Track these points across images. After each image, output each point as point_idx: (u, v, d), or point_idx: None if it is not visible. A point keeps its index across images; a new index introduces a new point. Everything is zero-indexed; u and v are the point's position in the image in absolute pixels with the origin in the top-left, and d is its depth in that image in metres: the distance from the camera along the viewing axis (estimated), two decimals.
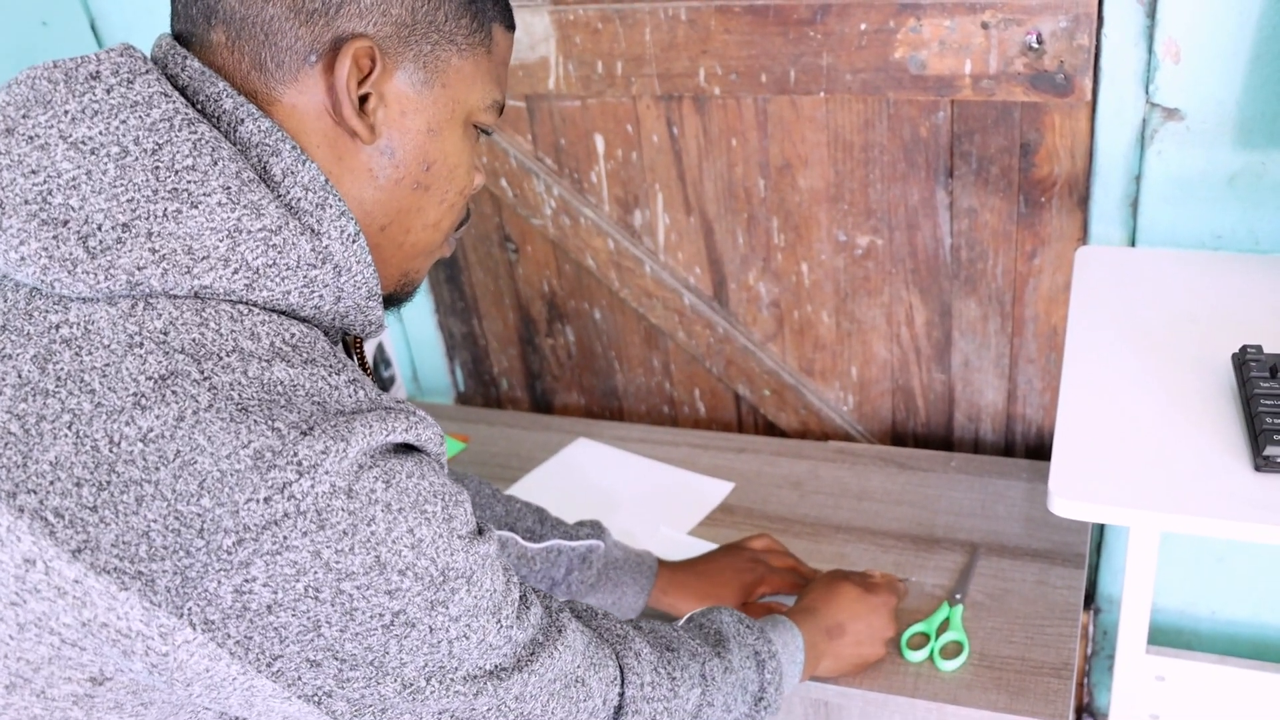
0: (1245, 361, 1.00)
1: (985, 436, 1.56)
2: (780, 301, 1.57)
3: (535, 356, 1.79)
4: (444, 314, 1.81)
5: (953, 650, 1.23)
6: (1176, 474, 0.94)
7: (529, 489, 1.57)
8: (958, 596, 1.29)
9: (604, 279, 1.64)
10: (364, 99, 0.75)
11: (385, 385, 1.77)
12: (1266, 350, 1.01)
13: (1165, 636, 1.55)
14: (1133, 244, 1.31)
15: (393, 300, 0.85)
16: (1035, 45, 1.23)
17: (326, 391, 0.68)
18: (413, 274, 0.84)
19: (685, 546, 1.40)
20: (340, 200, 0.74)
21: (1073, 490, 0.94)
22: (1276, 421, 0.93)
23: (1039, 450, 1.54)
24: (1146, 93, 1.21)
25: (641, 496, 1.52)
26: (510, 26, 0.83)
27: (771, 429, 1.68)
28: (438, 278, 1.77)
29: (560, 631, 0.82)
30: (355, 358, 0.90)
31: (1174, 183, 1.24)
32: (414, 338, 1.85)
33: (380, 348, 1.76)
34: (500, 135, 1.57)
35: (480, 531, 0.76)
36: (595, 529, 1.23)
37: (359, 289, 0.75)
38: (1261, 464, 0.92)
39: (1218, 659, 1.47)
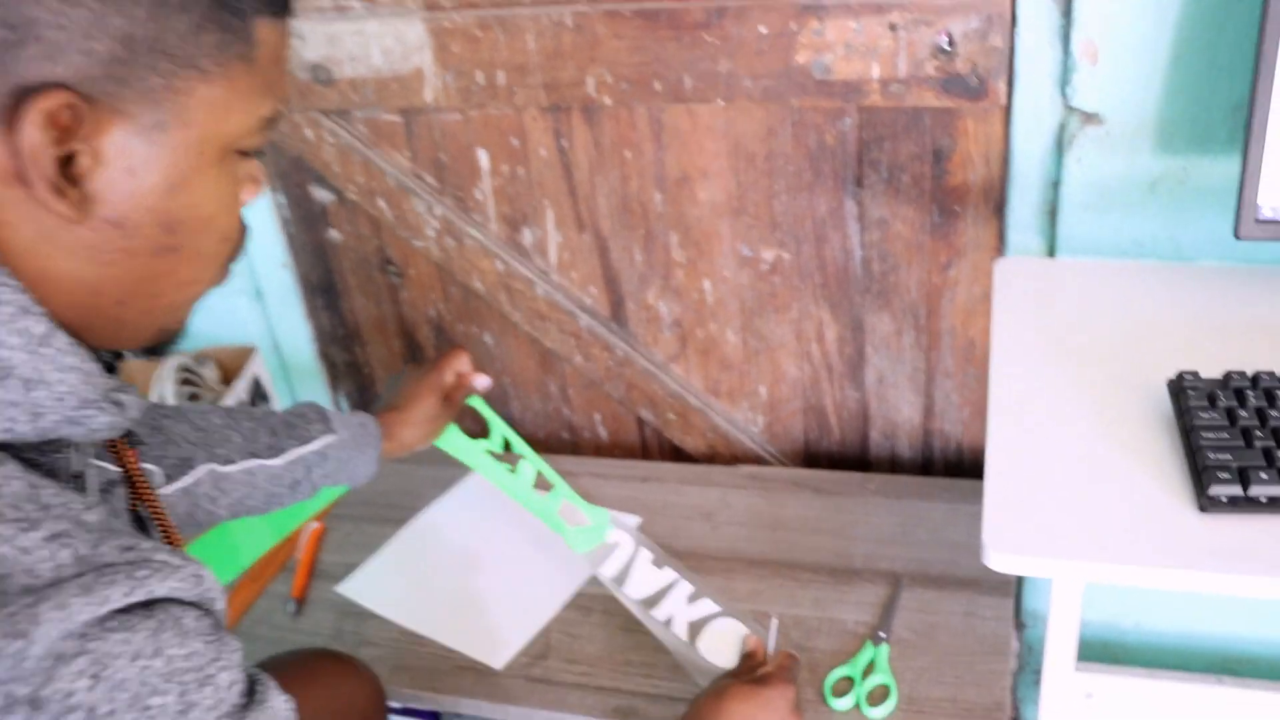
0: (1182, 390, 0.93)
1: (902, 454, 1.49)
2: (683, 321, 1.47)
3: None
4: (324, 343, 1.69)
5: (880, 695, 1.15)
6: (1117, 518, 0.87)
7: (422, 532, 1.45)
8: (882, 634, 1.21)
9: (494, 302, 1.53)
10: (71, 157, 0.57)
11: None
12: (1204, 375, 0.95)
13: (1091, 650, 1.50)
14: (1052, 253, 1.24)
15: (152, 350, 0.70)
16: (946, 47, 1.15)
17: (11, 560, 0.52)
18: (172, 325, 0.69)
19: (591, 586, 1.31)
20: (19, 292, 0.57)
21: (1008, 542, 0.86)
22: (1219, 457, 0.86)
23: (958, 466, 1.47)
24: (1064, 95, 1.13)
25: (541, 536, 1.42)
26: (281, 12, 0.64)
27: (678, 453, 1.59)
28: (315, 305, 1.64)
29: None
30: (118, 451, 0.75)
31: (1094, 189, 1.17)
32: (293, 368, 1.72)
33: (255, 383, 1.63)
34: (376, 152, 1.45)
35: (249, 699, 0.61)
36: (322, 420, 1.14)
37: (62, 401, 0.59)
38: (1206, 504, 0.85)
39: (1146, 672, 1.43)
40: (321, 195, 1.53)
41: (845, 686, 1.16)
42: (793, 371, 1.47)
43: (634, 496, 1.47)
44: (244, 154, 0.66)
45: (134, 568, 0.55)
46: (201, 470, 1.04)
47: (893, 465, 1.50)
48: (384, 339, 1.65)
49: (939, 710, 1.13)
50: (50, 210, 0.57)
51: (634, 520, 1.42)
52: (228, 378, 1.64)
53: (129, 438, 0.75)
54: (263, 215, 1.56)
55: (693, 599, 1.24)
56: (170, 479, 1.01)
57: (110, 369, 0.67)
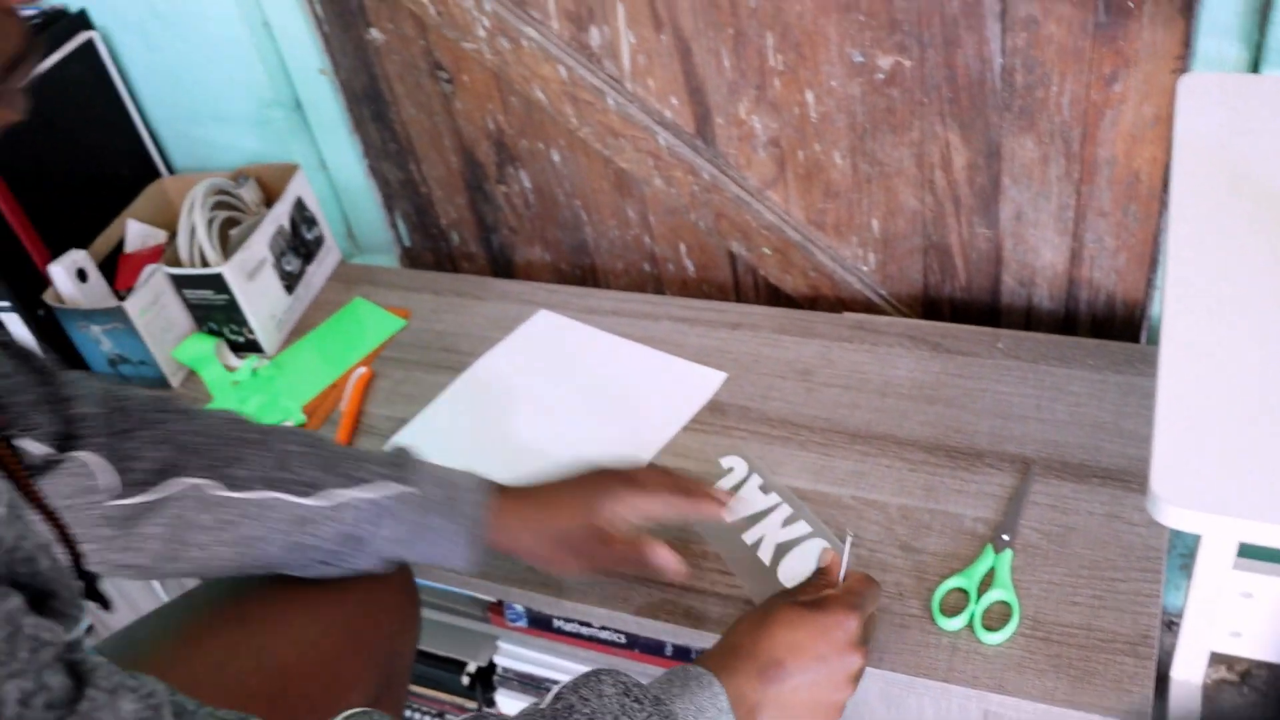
0: None
1: (1040, 304, 1.25)
2: (780, 139, 1.23)
3: (488, 206, 1.47)
4: (374, 158, 1.48)
5: (998, 614, 0.95)
6: None
7: (480, 381, 1.28)
8: (1005, 538, 1.00)
9: (558, 115, 1.30)
10: None
11: (310, 249, 1.46)
12: None
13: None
14: (1257, 67, 0.95)
15: None
16: None
17: None
18: None
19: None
20: None
21: (1188, 491, 0.64)
22: None
23: (1108, 325, 1.22)
24: None
25: (610, 391, 1.23)
26: None
27: (776, 294, 1.37)
28: (361, 116, 1.43)
29: None
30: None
31: None
32: (342, 187, 1.52)
33: (300, 204, 1.44)
34: None
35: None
36: (396, 464, 0.90)
37: None
38: None
39: None
40: None
41: (958, 602, 0.97)
42: (911, 203, 1.22)
43: (721, 348, 1.26)
44: None
45: None
46: (182, 484, 0.85)
47: (1028, 319, 1.26)
48: (440, 154, 1.43)
49: (1070, 639, 0.93)
50: None
51: (719, 377, 1.22)
52: (270, 199, 1.46)
53: None
54: (290, 12, 1.34)
55: (788, 522, 1.06)
56: (133, 487, 0.83)
57: None
